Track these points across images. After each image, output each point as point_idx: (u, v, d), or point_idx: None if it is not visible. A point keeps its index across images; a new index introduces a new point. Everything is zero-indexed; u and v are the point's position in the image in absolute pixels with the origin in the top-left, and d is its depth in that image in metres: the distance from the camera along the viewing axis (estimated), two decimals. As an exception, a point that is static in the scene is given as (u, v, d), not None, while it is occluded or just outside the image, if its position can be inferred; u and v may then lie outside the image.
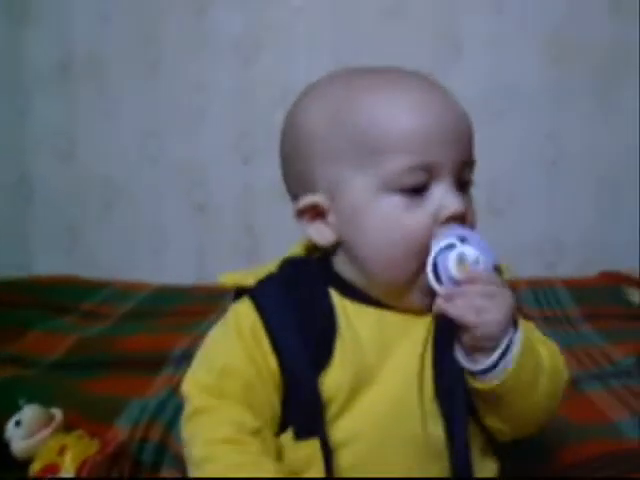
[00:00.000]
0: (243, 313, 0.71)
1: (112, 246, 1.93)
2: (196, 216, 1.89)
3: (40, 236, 1.95)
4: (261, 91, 1.81)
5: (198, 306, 1.51)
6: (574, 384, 0.99)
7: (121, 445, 0.88)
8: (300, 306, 0.70)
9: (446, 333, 0.67)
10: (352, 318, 0.70)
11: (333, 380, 0.68)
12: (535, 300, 1.56)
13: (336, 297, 0.71)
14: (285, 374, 0.68)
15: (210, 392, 0.68)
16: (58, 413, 0.89)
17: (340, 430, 0.68)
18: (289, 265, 0.73)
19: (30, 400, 0.94)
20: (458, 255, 0.65)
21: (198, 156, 1.88)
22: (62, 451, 0.84)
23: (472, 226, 0.69)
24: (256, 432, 0.67)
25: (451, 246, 0.65)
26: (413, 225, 0.67)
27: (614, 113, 1.76)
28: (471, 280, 0.64)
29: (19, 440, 0.85)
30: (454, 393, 0.68)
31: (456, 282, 0.65)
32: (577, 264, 1.79)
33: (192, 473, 0.67)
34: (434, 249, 0.66)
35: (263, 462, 0.65)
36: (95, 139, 1.92)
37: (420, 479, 0.68)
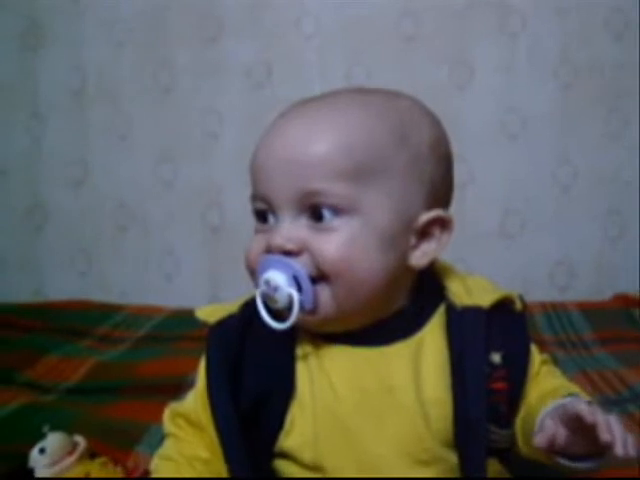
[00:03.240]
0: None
1: (126, 270, 1.93)
2: (210, 240, 1.89)
3: (54, 261, 1.95)
4: (273, 116, 1.81)
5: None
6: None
7: (146, 473, 0.87)
8: (253, 352, 0.69)
9: (474, 390, 0.66)
10: (325, 359, 0.68)
11: (300, 433, 0.67)
12: (549, 324, 1.56)
13: (307, 337, 0.69)
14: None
15: (176, 422, 0.75)
16: (82, 440, 0.89)
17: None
18: (251, 304, 0.69)
19: (50, 427, 0.94)
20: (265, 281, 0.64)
21: (212, 180, 1.88)
22: (87, 478, 0.84)
23: (324, 258, 0.64)
24: (205, 462, 0.71)
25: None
26: (250, 250, 0.68)
27: (625, 137, 1.77)
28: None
29: (43, 468, 0.85)
30: (475, 442, 0.67)
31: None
32: (589, 288, 1.79)
33: None
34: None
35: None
36: (109, 164, 1.92)
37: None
